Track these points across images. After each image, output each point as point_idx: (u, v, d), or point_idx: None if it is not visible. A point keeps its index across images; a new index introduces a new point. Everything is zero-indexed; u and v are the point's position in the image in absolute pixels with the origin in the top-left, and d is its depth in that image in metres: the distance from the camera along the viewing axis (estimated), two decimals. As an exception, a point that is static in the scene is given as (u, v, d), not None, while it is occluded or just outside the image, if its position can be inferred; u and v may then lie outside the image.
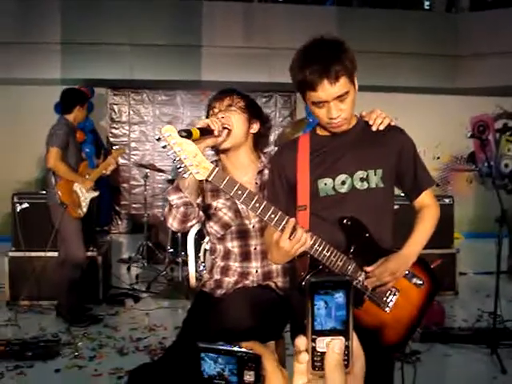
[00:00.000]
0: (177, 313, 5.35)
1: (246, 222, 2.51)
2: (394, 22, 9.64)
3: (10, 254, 5.46)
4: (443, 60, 9.71)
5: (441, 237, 5.84)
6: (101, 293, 5.65)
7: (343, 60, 2.05)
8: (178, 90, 10.25)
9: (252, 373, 1.22)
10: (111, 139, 10.27)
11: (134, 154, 10.39)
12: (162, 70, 9.22)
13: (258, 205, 1.98)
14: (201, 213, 2.46)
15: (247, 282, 2.53)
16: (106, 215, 9.83)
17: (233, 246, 2.54)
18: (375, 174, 2.17)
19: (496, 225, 4.47)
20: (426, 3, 10.70)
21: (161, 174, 8.54)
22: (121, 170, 10.28)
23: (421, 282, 2.21)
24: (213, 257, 2.64)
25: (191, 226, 2.49)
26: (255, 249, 2.52)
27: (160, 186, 10.09)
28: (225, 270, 2.56)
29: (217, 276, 2.58)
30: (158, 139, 2.01)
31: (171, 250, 6.73)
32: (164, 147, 1.98)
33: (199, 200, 2.45)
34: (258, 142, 2.57)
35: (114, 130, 10.30)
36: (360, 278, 2.12)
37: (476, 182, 10.83)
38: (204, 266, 2.84)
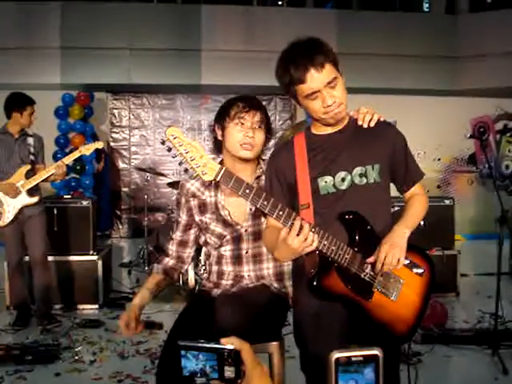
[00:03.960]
0: (177, 316, 5.33)
1: (238, 227, 2.51)
2: (394, 24, 9.65)
3: (10, 258, 5.45)
4: (443, 62, 9.72)
5: (442, 238, 5.96)
6: (101, 297, 5.65)
7: (323, 49, 2.11)
8: (177, 94, 10.26)
9: (232, 368, 1.24)
10: (112, 144, 10.29)
11: (134, 159, 10.39)
12: (161, 74, 9.24)
13: (266, 202, 2.02)
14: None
15: (242, 284, 2.54)
16: (106, 220, 9.84)
17: (225, 249, 2.55)
18: (373, 169, 2.21)
19: (497, 226, 4.46)
20: (426, 5, 10.70)
21: (161, 177, 8.53)
22: (121, 174, 10.29)
23: (422, 271, 2.24)
24: (208, 262, 2.69)
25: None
26: (246, 252, 2.52)
27: (161, 190, 10.09)
28: (220, 274, 2.58)
29: (214, 279, 2.61)
30: (163, 142, 2.02)
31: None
32: (169, 150, 1.99)
33: (184, 221, 2.63)
34: (262, 151, 2.60)
35: (114, 135, 10.31)
36: (367, 270, 2.14)
37: (477, 183, 10.82)
38: (204, 269, 2.85)
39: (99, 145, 5.13)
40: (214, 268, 2.61)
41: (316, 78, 2.07)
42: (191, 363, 1.24)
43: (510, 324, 4.81)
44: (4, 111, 4.96)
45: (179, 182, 2.88)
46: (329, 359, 1.12)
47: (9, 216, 4.87)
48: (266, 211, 2.02)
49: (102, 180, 9.96)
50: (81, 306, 5.61)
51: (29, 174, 4.90)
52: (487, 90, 9.73)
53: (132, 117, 10.30)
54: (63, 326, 5.01)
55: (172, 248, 2.67)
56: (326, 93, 2.09)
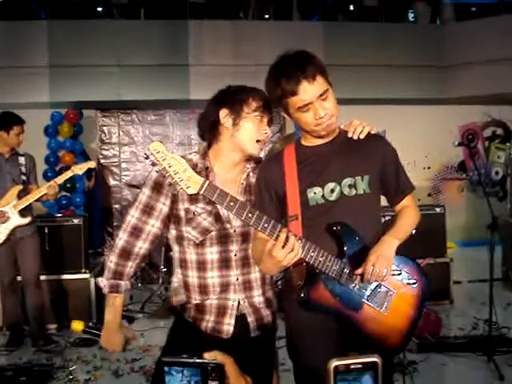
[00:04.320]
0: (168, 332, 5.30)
1: (228, 225, 2.31)
2: (380, 34, 9.70)
3: (2, 278, 5.41)
4: (430, 70, 9.77)
5: (434, 246, 5.98)
6: (95, 315, 5.62)
7: (313, 61, 2.12)
8: (167, 110, 10.25)
9: (216, 382, 1.24)
10: (102, 161, 10.26)
11: (125, 175, 10.36)
12: (150, 90, 9.23)
13: (250, 215, 2.00)
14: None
15: (229, 295, 2.34)
16: (98, 237, 9.79)
17: (211, 251, 2.32)
18: (362, 180, 2.20)
19: (488, 232, 4.48)
20: (411, 15, 10.77)
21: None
22: (112, 191, 10.25)
23: (413, 281, 2.23)
24: (184, 271, 2.38)
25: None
26: (235, 255, 2.32)
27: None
28: (203, 288, 2.34)
29: (196, 296, 2.35)
30: (147, 157, 2.01)
31: (164, 270, 6.70)
32: (153, 164, 1.98)
33: (167, 208, 2.32)
34: None
35: (104, 152, 10.29)
36: (356, 282, 2.13)
37: (467, 190, 10.86)
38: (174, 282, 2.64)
39: (91, 164, 5.12)
40: (195, 279, 2.35)
41: (308, 90, 2.08)
42: (175, 380, 1.24)
43: (505, 330, 4.82)
44: None
45: None
46: (327, 367, 1.09)
47: (0, 237, 4.83)
48: (251, 223, 2.01)
49: (93, 197, 9.92)
50: (74, 325, 5.58)
51: (21, 195, 4.87)
52: (475, 98, 9.78)
53: (122, 133, 10.27)
54: (57, 345, 4.98)
55: (137, 245, 2.34)
56: (318, 105, 2.11)
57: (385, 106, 9.93)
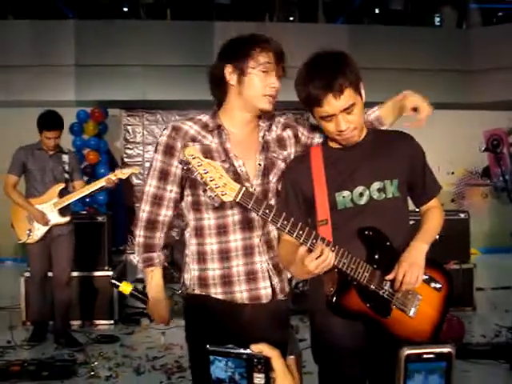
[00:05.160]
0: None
1: (248, 184, 2.16)
2: (406, 38, 9.66)
3: (26, 274, 5.48)
4: (456, 75, 9.70)
5: (457, 252, 5.93)
6: (116, 312, 5.67)
7: (346, 72, 2.05)
8: (191, 110, 10.27)
9: (262, 375, 1.20)
10: (126, 160, 10.33)
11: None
12: (174, 91, 9.28)
13: (286, 222, 1.98)
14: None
15: (254, 258, 2.23)
16: (121, 235, 9.85)
17: (233, 213, 2.20)
18: (391, 184, 2.18)
19: (512, 239, 4.44)
20: (437, 19, 10.70)
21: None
22: (135, 190, 10.32)
23: (440, 286, 2.22)
24: (199, 240, 2.26)
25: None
26: (257, 215, 2.06)
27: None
28: (224, 253, 2.22)
29: (214, 266, 2.23)
30: (181, 162, 1.99)
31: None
32: (188, 169, 1.96)
33: (180, 170, 2.21)
34: None
35: (128, 151, 10.36)
36: (386, 287, 2.13)
37: (491, 196, 10.75)
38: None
39: (135, 170, 5.21)
40: (213, 245, 2.23)
41: (333, 104, 2.04)
42: (219, 370, 1.22)
43: (528, 338, 4.76)
44: (37, 128, 4.98)
45: None
46: (398, 356, 1.04)
47: (38, 234, 4.87)
48: (286, 231, 1.99)
49: (117, 196, 9.99)
50: (96, 322, 5.63)
51: (62, 193, 4.92)
52: (500, 103, 9.70)
53: (146, 133, 10.34)
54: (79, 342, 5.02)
55: (161, 213, 2.27)
56: (342, 117, 2.07)
57: (409, 110, 9.86)
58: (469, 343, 4.83)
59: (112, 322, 5.64)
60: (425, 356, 0.93)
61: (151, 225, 2.28)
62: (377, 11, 10.53)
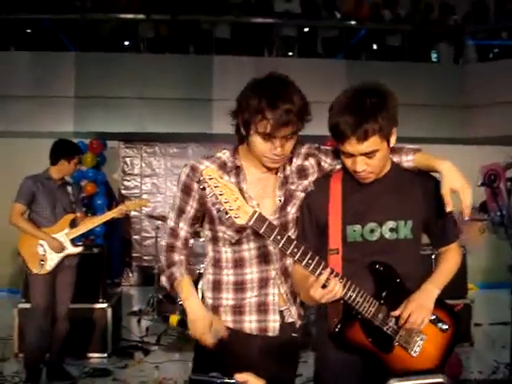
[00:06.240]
0: (187, 365, 5.25)
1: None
2: (403, 73, 9.73)
3: (20, 305, 5.42)
4: (452, 110, 9.77)
5: (455, 287, 5.78)
6: (110, 345, 5.60)
7: (378, 118, 2.01)
8: (189, 143, 10.35)
9: None
10: (123, 191, 10.34)
11: (145, 206, 10.42)
12: (173, 123, 9.33)
13: (296, 250, 1.98)
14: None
15: (268, 290, 2.26)
16: (116, 267, 9.80)
17: (249, 248, 2.25)
18: (405, 225, 2.16)
19: (509, 274, 4.42)
20: (434, 55, 10.82)
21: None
22: (132, 221, 10.31)
23: (446, 327, 2.21)
24: (217, 270, 2.32)
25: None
26: (275, 248, 2.21)
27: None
28: (240, 284, 2.27)
29: (229, 296, 2.28)
30: (199, 181, 2.01)
31: (181, 303, 6.66)
32: (203, 189, 1.97)
33: (194, 210, 2.31)
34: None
35: (126, 183, 10.38)
36: (390, 324, 2.11)
37: (488, 231, 10.71)
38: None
39: (146, 202, 5.19)
40: (230, 277, 2.28)
41: (354, 146, 2.02)
42: None
43: (526, 375, 4.70)
44: (50, 157, 4.90)
45: None
46: None
47: (51, 264, 4.73)
48: (296, 259, 1.99)
49: (114, 227, 9.96)
50: (89, 355, 5.55)
51: (73, 223, 4.87)
52: (497, 138, 9.74)
53: (144, 165, 10.38)
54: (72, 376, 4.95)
55: (178, 243, 2.35)
56: (360, 160, 2.05)
57: (406, 145, 9.89)
58: (467, 379, 4.78)
59: (105, 355, 5.56)
60: None
61: (170, 248, 2.35)
62: (375, 47, 10.64)
